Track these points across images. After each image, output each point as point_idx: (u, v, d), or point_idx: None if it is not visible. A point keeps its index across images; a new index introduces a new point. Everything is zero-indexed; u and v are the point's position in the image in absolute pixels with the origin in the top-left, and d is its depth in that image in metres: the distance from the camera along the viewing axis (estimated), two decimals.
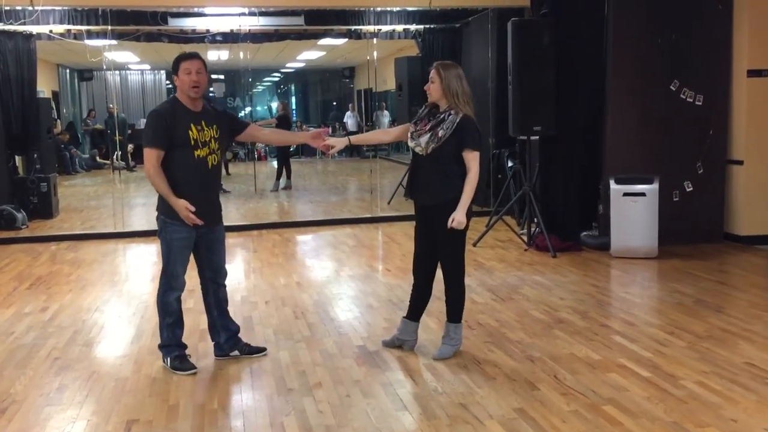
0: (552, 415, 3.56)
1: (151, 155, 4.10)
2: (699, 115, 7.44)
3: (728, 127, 7.55)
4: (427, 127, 4.24)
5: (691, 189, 7.49)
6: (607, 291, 6.07)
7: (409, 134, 4.35)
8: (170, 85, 22.64)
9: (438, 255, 4.40)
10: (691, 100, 7.42)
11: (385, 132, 4.61)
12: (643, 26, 7.37)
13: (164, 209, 4.22)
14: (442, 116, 4.23)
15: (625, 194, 6.98)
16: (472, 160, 4.19)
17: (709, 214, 7.59)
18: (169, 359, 4.33)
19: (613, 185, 7.05)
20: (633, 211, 6.96)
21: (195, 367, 4.31)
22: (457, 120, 4.18)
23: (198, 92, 4.17)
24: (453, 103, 4.22)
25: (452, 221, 4.17)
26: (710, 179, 7.52)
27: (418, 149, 4.28)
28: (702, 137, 7.46)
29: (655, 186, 6.93)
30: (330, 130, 21.49)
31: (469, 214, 4.29)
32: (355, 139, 4.73)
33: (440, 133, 4.18)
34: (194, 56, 4.22)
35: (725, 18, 7.45)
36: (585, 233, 7.61)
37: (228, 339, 4.51)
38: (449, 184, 4.22)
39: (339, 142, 4.53)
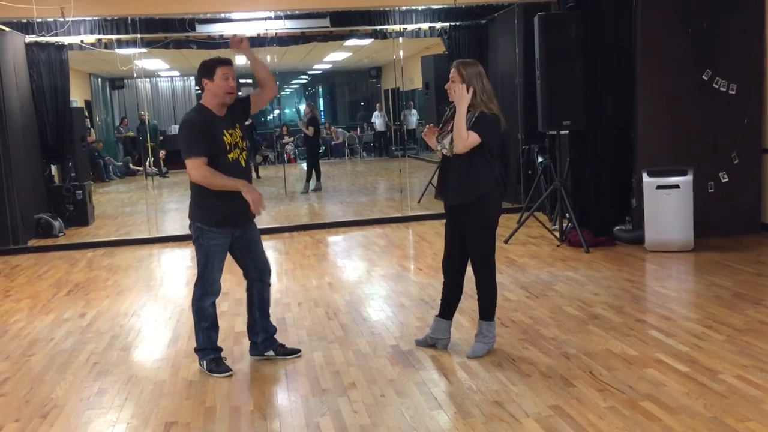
0: (589, 412, 3.52)
1: (197, 164, 4.08)
2: (733, 104, 7.30)
3: (764, 116, 7.39)
4: (449, 128, 4.28)
5: (727, 179, 7.35)
6: (643, 285, 5.99)
7: (435, 137, 4.38)
8: (200, 91, 22.90)
9: (468, 253, 4.40)
10: (725, 90, 7.29)
11: None
12: (672, 15, 7.26)
13: (199, 216, 4.26)
14: None
15: (659, 187, 6.88)
16: (471, 135, 4.13)
17: (745, 205, 7.44)
18: (205, 362, 4.38)
19: (646, 178, 6.95)
20: (667, 204, 6.85)
21: (231, 370, 4.35)
22: (474, 116, 4.20)
23: (233, 98, 4.20)
24: (474, 100, 4.22)
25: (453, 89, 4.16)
26: (746, 169, 7.38)
27: (444, 151, 4.31)
28: (737, 127, 7.32)
29: (689, 177, 6.82)
30: (359, 130, 21.56)
31: (498, 211, 4.35)
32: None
33: None
34: (231, 62, 4.23)
35: (757, 3, 7.31)
36: (618, 227, 7.52)
37: (265, 340, 4.56)
38: (475, 182, 4.24)
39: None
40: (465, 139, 4.14)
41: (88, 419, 3.81)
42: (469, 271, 4.46)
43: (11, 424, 3.76)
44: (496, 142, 4.28)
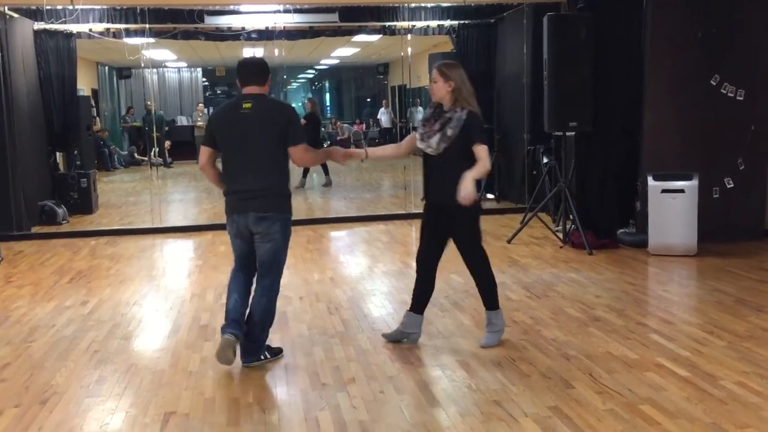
0: (588, 414, 3.52)
1: (307, 147, 4.33)
2: (740, 110, 7.27)
3: None
4: (436, 127, 4.31)
5: (732, 185, 7.33)
6: (645, 289, 5.98)
7: (418, 137, 4.41)
8: (206, 83, 22.87)
9: (459, 252, 4.48)
10: (732, 95, 7.26)
11: (397, 146, 4.73)
12: (682, 20, 7.23)
13: (287, 206, 4.33)
14: (448, 115, 4.30)
15: (664, 191, 6.87)
16: (482, 151, 4.27)
17: (750, 211, 7.43)
18: (265, 353, 4.37)
19: (651, 182, 6.93)
20: (671, 208, 6.84)
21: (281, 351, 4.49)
22: (464, 117, 4.26)
23: None
24: (457, 96, 4.30)
25: (460, 197, 4.17)
26: (752, 175, 7.36)
27: (429, 150, 4.34)
28: (743, 132, 7.30)
29: (695, 182, 6.81)
30: (364, 126, 21.53)
31: (479, 210, 4.40)
32: (372, 152, 4.75)
33: (449, 132, 4.26)
34: None
35: (767, 10, 7.28)
36: (622, 230, 7.51)
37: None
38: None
39: (356, 154, 4.64)
40: (488, 165, 4.26)
41: (87, 407, 3.82)
42: (462, 266, 4.52)
43: (11, 410, 3.77)
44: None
